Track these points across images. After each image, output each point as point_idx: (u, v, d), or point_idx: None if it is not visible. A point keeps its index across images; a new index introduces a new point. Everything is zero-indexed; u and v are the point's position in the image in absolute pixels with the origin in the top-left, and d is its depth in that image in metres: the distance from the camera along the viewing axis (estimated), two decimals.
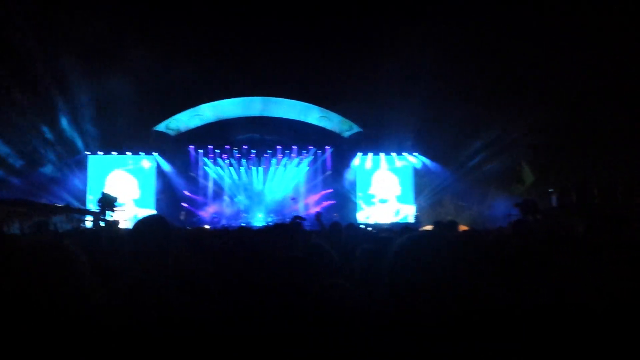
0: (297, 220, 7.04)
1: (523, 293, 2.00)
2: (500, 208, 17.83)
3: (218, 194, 23.15)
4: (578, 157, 17.90)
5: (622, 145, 16.45)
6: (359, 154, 22.77)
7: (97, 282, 1.88)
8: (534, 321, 1.47)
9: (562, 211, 15.81)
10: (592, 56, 15.94)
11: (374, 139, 22.76)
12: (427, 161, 22.80)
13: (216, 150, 23.23)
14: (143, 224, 2.47)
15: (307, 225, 17.37)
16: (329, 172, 23.59)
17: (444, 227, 6.49)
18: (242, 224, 20.12)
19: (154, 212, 20.17)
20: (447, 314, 1.26)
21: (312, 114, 23.51)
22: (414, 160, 22.93)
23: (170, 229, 2.47)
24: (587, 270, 2.38)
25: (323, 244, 2.69)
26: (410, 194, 22.63)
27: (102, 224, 16.07)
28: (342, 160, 23.44)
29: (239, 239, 4.04)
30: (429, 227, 13.91)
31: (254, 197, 23.40)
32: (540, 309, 1.61)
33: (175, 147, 22.91)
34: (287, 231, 4.15)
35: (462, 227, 12.67)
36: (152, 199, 21.44)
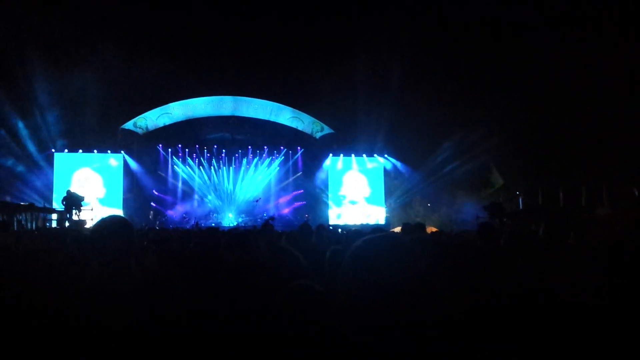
0: (269, 221, 7.09)
1: (480, 291, 2.05)
2: (469, 210, 18.11)
3: (188, 193, 22.87)
4: (545, 161, 18.30)
5: (589, 150, 16.87)
6: (330, 155, 22.82)
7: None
8: (487, 318, 1.50)
9: (528, 214, 16.13)
10: (561, 60, 16.32)
11: (345, 141, 22.86)
12: (398, 163, 23.00)
13: (186, 150, 22.95)
14: (104, 225, 2.41)
15: (278, 225, 17.38)
16: (300, 173, 23.59)
17: (412, 229, 6.55)
18: (212, 224, 19.96)
19: (120, 211, 19.82)
20: (401, 314, 1.28)
21: (283, 115, 23.47)
22: (384, 161, 23.11)
23: (131, 230, 2.43)
24: (545, 270, 2.45)
25: (289, 247, 2.69)
26: (381, 195, 22.79)
27: (67, 223, 15.78)
28: (313, 161, 23.46)
29: (204, 242, 4.01)
30: (398, 229, 14.05)
31: (225, 198, 23.23)
32: (497, 306, 1.64)
33: (143, 146, 22.47)
34: (251, 236, 4.14)
35: (431, 229, 12.85)
36: (119, 198, 21.04)
